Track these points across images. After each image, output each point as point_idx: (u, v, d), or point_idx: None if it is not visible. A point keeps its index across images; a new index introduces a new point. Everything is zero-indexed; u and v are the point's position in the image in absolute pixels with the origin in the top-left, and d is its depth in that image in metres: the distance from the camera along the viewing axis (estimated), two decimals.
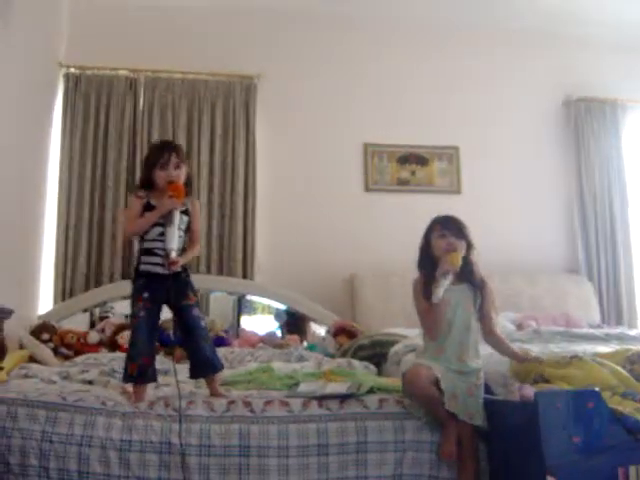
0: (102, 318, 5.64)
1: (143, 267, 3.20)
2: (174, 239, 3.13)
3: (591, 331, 4.94)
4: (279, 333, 5.86)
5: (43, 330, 5.03)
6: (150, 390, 3.20)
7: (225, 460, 2.84)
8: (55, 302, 5.76)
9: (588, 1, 6.47)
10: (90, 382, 3.66)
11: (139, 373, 3.11)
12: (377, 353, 4.67)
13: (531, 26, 6.81)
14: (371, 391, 3.20)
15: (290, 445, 2.88)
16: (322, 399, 3.05)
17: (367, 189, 6.56)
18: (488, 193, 6.61)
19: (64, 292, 5.80)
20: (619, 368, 2.94)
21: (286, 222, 6.28)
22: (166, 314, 3.28)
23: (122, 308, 5.66)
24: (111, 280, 5.86)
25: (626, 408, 2.59)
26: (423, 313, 3.08)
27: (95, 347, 5.08)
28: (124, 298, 5.65)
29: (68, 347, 5.01)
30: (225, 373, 3.58)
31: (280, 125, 6.49)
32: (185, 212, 3.25)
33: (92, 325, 5.63)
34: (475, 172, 6.67)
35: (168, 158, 3.21)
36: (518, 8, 6.58)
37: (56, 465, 2.83)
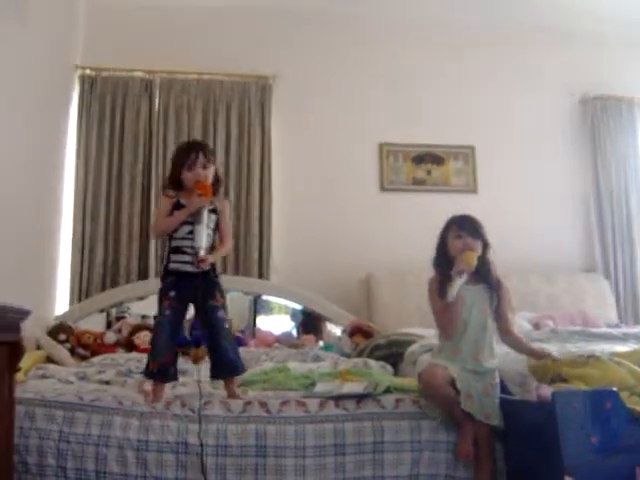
0: (118, 318, 5.66)
1: (172, 265, 3.21)
2: (203, 237, 3.14)
3: (609, 330, 4.91)
4: (295, 333, 5.86)
5: (60, 331, 5.05)
6: (167, 390, 3.21)
7: (242, 460, 2.84)
8: (72, 303, 5.78)
9: None
10: (107, 382, 3.68)
11: (159, 371, 3.12)
12: (393, 353, 4.65)
13: (547, 24, 6.78)
14: (388, 391, 3.19)
15: (307, 445, 2.88)
16: (339, 399, 3.05)
17: (383, 189, 6.55)
18: (504, 192, 6.59)
19: (80, 293, 5.82)
20: (637, 368, 2.92)
21: (302, 222, 6.29)
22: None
23: (138, 308, 5.69)
24: (127, 281, 5.88)
25: None
26: (439, 312, 3.07)
27: (112, 347, 5.09)
28: (140, 298, 5.70)
29: (85, 347, 5.03)
30: None
31: (295, 125, 6.49)
32: (214, 211, 3.26)
33: (109, 325, 5.64)
34: (491, 171, 6.65)
35: (195, 158, 3.22)
36: (534, 7, 6.55)
37: (74, 465, 2.85)
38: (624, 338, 4.52)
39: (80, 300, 5.77)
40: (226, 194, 6.04)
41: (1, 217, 4.11)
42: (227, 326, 3.24)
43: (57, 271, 5.72)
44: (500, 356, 3.15)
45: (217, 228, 3.29)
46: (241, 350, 4.35)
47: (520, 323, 4.88)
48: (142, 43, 6.27)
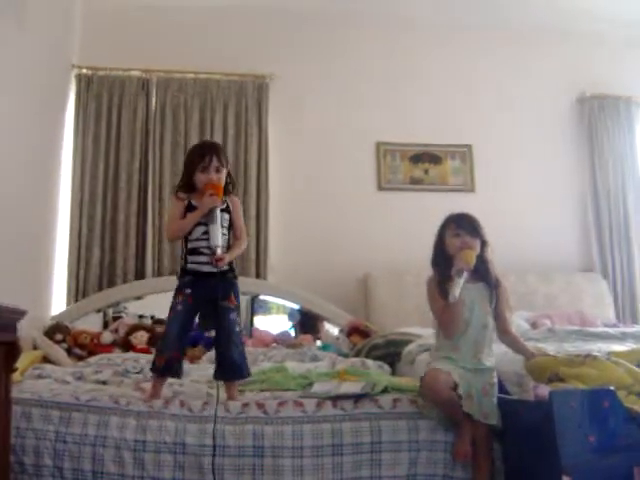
0: (115, 318, 5.66)
1: (190, 266, 3.20)
2: (218, 236, 3.12)
3: (606, 330, 4.91)
4: (293, 333, 5.86)
5: (57, 330, 5.06)
6: (165, 389, 3.20)
7: (240, 460, 2.84)
8: (68, 303, 5.77)
9: None
10: (104, 382, 3.68)
11: (166, 366, 3.12)
12: (391, 352, 4.66)
13: (545, 24, 6.78)
14: (385, 391, 3.19)
15: (304, 445, 2.87)
16: (336, 399, 3.04)
17: (380, 188, 6.54)
18: (502, 191, 6.59)
19: (77, 293, 5.81)
20: (634, 367, 2.92)
21: (299, 222, 6.28)
22: None
23: (135, 308, 5.70)
24: (124, 280, 5.87)
25: None
26: (439, 312, 3.06)
27: (108, 347, 5.10)
28: (137, 298, 5.71)
29: (81, 347, 5.03)
30: None
31: (292, 125, 6.48)
32: (226, 210, 3.24)
33: (105, 325, 5.65)
34: (489, 170, 6.65)
35: (209, 161, 3.20)
36: (532, 6, 6.56)
37: (70, 465, 2.85)
38: (622, 337, 4.52)
39: (77, 300, 5.76)
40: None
41: None
42: (238, 329, 3.21)
43: (54, 271, 5.70)
44: (497, 356, 3.15)
45: (231, 227, 3.28)
46: None
47: (518, 322, 4.87)
48: (139, 42, 6.26)
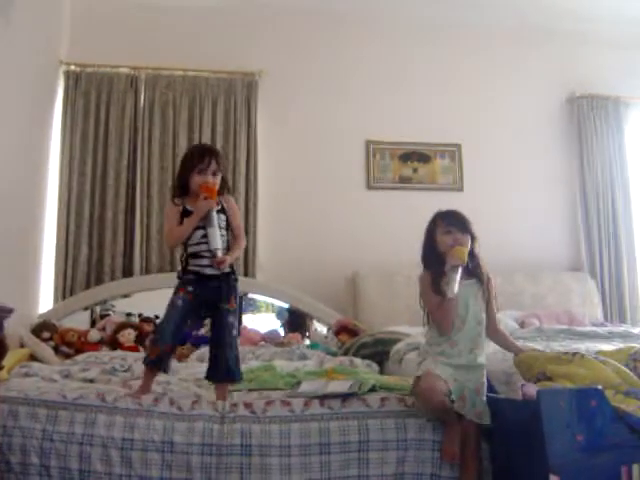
0: (103, 316, 5.66)
1: (192, 267, 3.18)
2: (217, 239, 3.12)
3: (594, 329, 4.94)
4: (282, 331, 5.85)
5: (44, 328, 5.04)
6: (154, 387, 3.19)
7: (227, 459, 2.83)
8: (56, 300, 5.75)
9: None
10: (91, 381, 3.67)
11: (157, 359, 3.12)
12: (379, 351, 4.67)
13: (533, 23, 6.80)
14: (373, 390, 3.18)
15: (292, 444, 2.86)
16: (324, 398, 3.04)
17: (369, 187, 6.55)
18: (490, 190, 6.60)
19: (65, 290, 5.79)
20: (622, 366, 2.92)
21: (288, 220, 6.28)
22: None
23: (123, 306, 5.69)
24: (112, 278, 5.86)
25: (629, 406, 2.58)
26: (434, 309, 3.03)
27: (96, 345, 5.09)
28: (125, 296, 5.69)
29: (69, 345, 5.02)
30: None
31: (282, 122, 6.48)
32: (222, 211, 3.23)
33: (93, 323, 5.64)
34: (477, 169, 6.66)
35: (208, 164, 3.19)
36: (520, 5, 6.57)
37: (57, 464, 2.83)
38: (609, 337, 4.54)
39: (64, 298, 5.74)
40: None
41: None
42: (235, 333, 3.21)
43: (41, 268, 5.69)
44: (486, 355, 3.14)
45: (228, 227, 3.26)
46: None
47: (506, 322, 4.89)
48: (127, 39, 6.24)
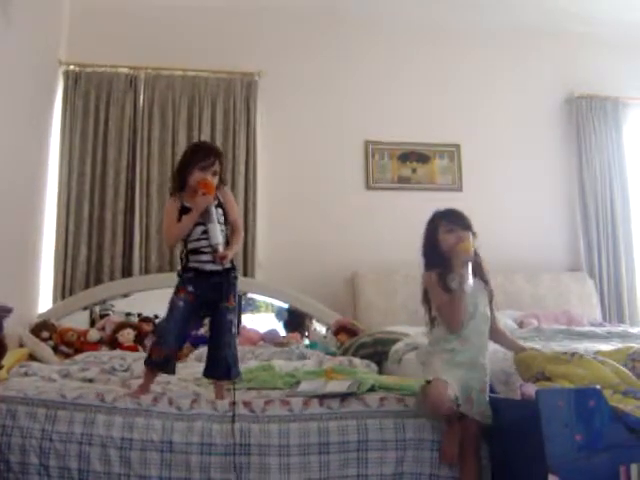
0: (102, 316, 5.65)
1: (192, 264, 3.18)
2: (218, 234, 3.11)
3: (593, 329, 4.94)
4: (283, 331, 5.85)
5: (43, 328, 5.04)
6: (153, 387, 3.19)
7: (226, 458, 2.83)
8: (55, 300, 5.75)
9: (590, 0, 6.48)
10: (90, 380, 3.67)
11: (164, 361, 3.11)
12: (378, 351, 4.67)
13: (533, 24, 6.81)
14: (372, 389, 3.19)
15: (291, 444, 2.87)
16: (323, 398, 3.04)
17: (368, 187, 6.55)
18: (489, 191, 6.61)
19: (64, 290, 5.79)
20: (620, 366, 2.93)
21: (287, 220, 6.28)
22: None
23: (122, 306, 5.69)
24: (111, 278, 5.86)
25: (627, 406, 2.58)
26: (444, 306, 3.00)
27: (95, 345, 5.09)
28: (124, 296, 5.69)
29: (68, 345, 5.02)
30: None
31: (281, 122, 6.48)
32: (219, 205, 3.22)
33: (92, 323, 5.63)
34: (476, 170, 6.67)
35: (212, 163, 3.19)
36: (520, 6, 6.58)
37: (56, 463, 2.83)
38: (608, 337, 4.54)
39: (64, 297, 5.74)
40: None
41: None
42: (234, 331, 3.21)
43: (40, 268, 5.69)
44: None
45: (226, 220, 3.26)
46: None
47: (505, 322, 4.89)
48: (127, 39, 6.24)
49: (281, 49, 6.58)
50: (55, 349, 4.91)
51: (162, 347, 3.12)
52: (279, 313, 6.06)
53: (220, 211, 3.22)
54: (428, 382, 2.85)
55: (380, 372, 4.32)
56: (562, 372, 2.88)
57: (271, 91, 6.43)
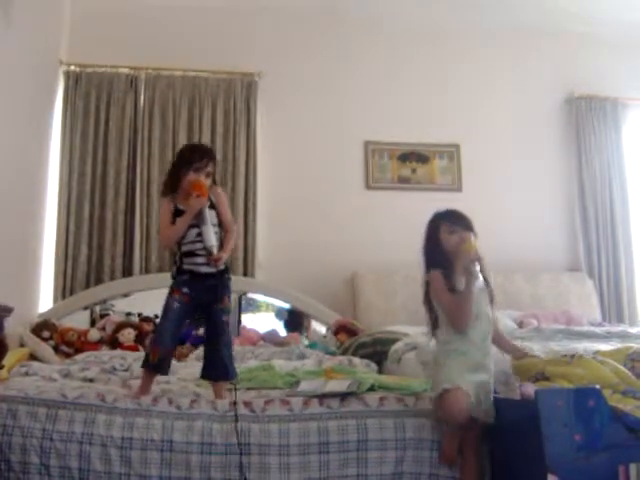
0: (103, 316, 5.66)
1: (187, 266, 3.19)
2: (212, 236, 3.12)
3: (592, 329, 4.94)
4: (284, 331, 5.85)
5: (44, 328, 5.05)
6: (153, 386, 3.20)
7: (226, 458, 2.84)
8: (55, 300, 5.76)
9: (590, 0, 6.48)
10: (91, 380, 3.67)
11: (159, 363, 3.12)
12: (378, 351, 4.67)
13: (533, 24, 6.81)
14: (372, 389, 3.19)
15: (291, 443, 2.87)
16: (323, 397, 3.04)
17: (368, 187, 6.56)
18: (489, 191, 6.61)
19: (64, 290, 5.80)
20: (619, 366, 2.93)
21: (287, 220, 6.29)
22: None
23: (123, 306, 5.69)
24: (111, 278, 5.87)
25: (627, 406, 2.59)
26: (450, 306, 2.98)
27: (95, 345, 5.09)
28: (125, 296, 5.69)
29: (68, 345, 5.02)
30: None
31: (281, 123, 6.49)
32: (212, 206, 3.22)
33: (93, 323, 5.64)
34: (476, 170, 6.67)
35: (206, 164, 3.20)
36: (520, 6, 6.58)
37: (57, 463, 2.83)
38: (607, 337, 4.55)
39: (64, 297, 5.75)
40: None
41: None
42: (229, 331, 3.23)
43: (41, 268, 5.69)
44: None
45: (220, 220, 3.27)
46: None
47: (504, 322, 4.90)
48: (127, 39, 6.25)
49: (281, 49, 6.58)
50: (56, 349, 4.91)
51: (159, 348, 3.13)
52: (279, 313, 6.07)
53: (213, 213, 3.22)
54: (445, 390, 2.82)
55: (380, 372, 4.32)
56: (561, 372, 2.88)
57: (271, 91, 6.43)
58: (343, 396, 3.05)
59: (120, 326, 5.21)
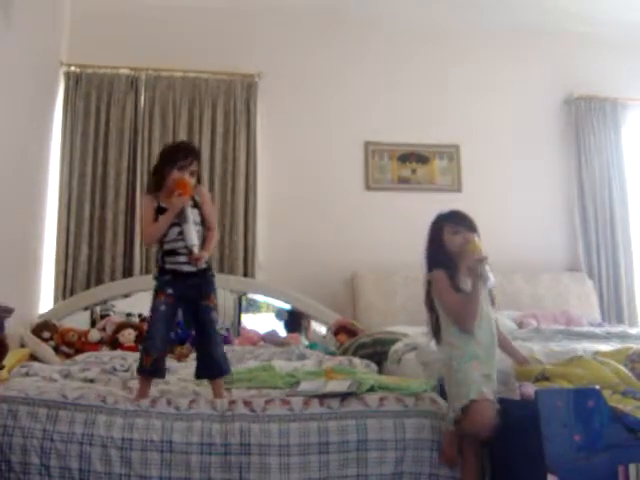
0: (103, 316, 5.65)
1: (169, 266, 3.19)
2: (193, 235, 3.12)
3: (592, 329, 4.94)
4: (284, 331, 5.85)
5: (44, 328, 5.05)
6: (152, 388, 3.20)
7: (226, 458, 2.84)
8: (56, 300, 5.77)
9: (589, 0, 6.48)
10: (91, 380, 3.67)
11: (153, 367, 3.13)
12: (378, 351, 4.68)
13: (532, 25, 6.82)
14: (372, 389, 3.19)
15: (291, 443, 2.87)
16: (323, 397, 3.05)
17: (368, 187, 6.56)
18: (489, 191, 6.61)
19: (65, 290, 5.81)
20: (620, 366, 2.93)
21: (287, 220, 6.29)
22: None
23: (123, 306, 5.69)
24: (112, 278, 5.87)
25: (626, 406, 2.59)
26: (455, 306, 2.98)
27: (96, 345, 5.09)
28: (125, 296, 5.69)
29: (69, 345, 5.02)
30: None
31: (281, 123, 6.49)
32: (195, 205, 3.23)
33: (93, 323, 5.64)
34: (476, 170, 6.67)
35: (190, 163, 3.21)
36: (520, 6, 6.58)
37: (57, 463, 2.83)
38: (607, 337, 4.55)
39: (64, 298, 5.75)
40: (211, 191, 6.01)
41: None
42: (218, 328, 3.24)
43: (41, 268, 5.69)
44: None
45: (203, 219, 3.27)
46: (226, 349, 4.37)
47: (504, 322, 4.90)
48: (128, 40, 6.26)
49: (281, 50, 6.59)
50: (56, 349, 4.91)
51: (151, 354, 3.13)
52: (279, 313, 6.07)
53: (196, 211, 3.22)
54: (473, 401, 2.76)
55: (380, 372, 4.33)
56: (561, 372, 2.89)
57: (271, 92, 6.44)
58: (343, 396, 3.05)
59: (120, 327, 5.21)
